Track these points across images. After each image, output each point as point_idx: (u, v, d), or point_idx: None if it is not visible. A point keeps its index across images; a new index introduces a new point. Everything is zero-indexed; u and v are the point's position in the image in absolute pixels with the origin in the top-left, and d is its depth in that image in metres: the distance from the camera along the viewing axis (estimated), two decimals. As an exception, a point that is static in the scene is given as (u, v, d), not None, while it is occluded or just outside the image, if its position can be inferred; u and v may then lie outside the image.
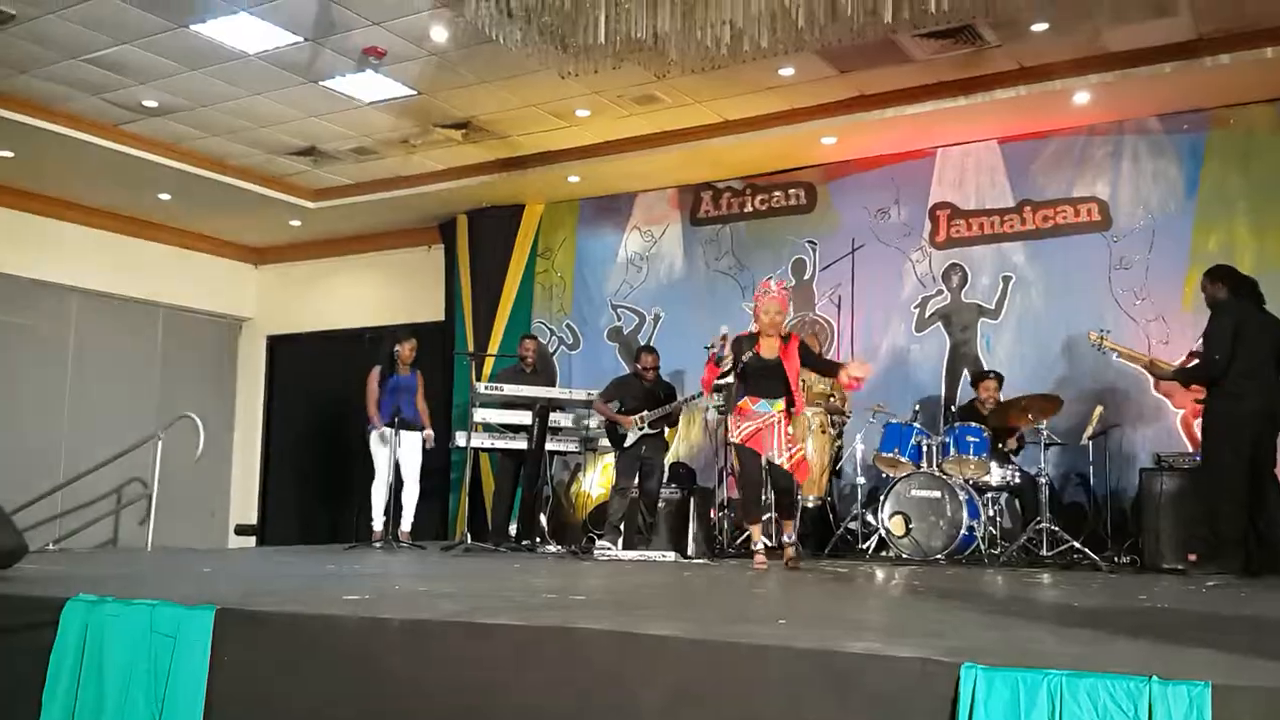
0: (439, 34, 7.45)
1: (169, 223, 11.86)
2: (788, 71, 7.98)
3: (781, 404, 6.39)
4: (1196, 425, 7.76)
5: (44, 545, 8.99)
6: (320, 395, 11.99)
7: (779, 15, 6.46)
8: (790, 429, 6.38)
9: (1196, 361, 6.63)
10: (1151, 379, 7.98)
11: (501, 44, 7.03)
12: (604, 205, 10.63)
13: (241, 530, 12.46)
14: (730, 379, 7.92)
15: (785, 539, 6.44)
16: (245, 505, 12.67)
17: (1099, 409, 7.59)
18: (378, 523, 8.55)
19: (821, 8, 6.35)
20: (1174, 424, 7.98)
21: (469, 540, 8.23)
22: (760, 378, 6.38)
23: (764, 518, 6.93)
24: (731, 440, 6.69)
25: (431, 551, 8.08)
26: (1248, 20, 7.05)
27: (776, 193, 9.85)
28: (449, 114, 9.00)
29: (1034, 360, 8.46)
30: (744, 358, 6.42)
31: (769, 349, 6.43)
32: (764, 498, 7.16)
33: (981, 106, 8.20)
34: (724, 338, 6.50)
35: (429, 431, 8.82)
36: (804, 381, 7.38)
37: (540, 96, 8.54)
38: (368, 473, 8.68)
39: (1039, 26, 7.24)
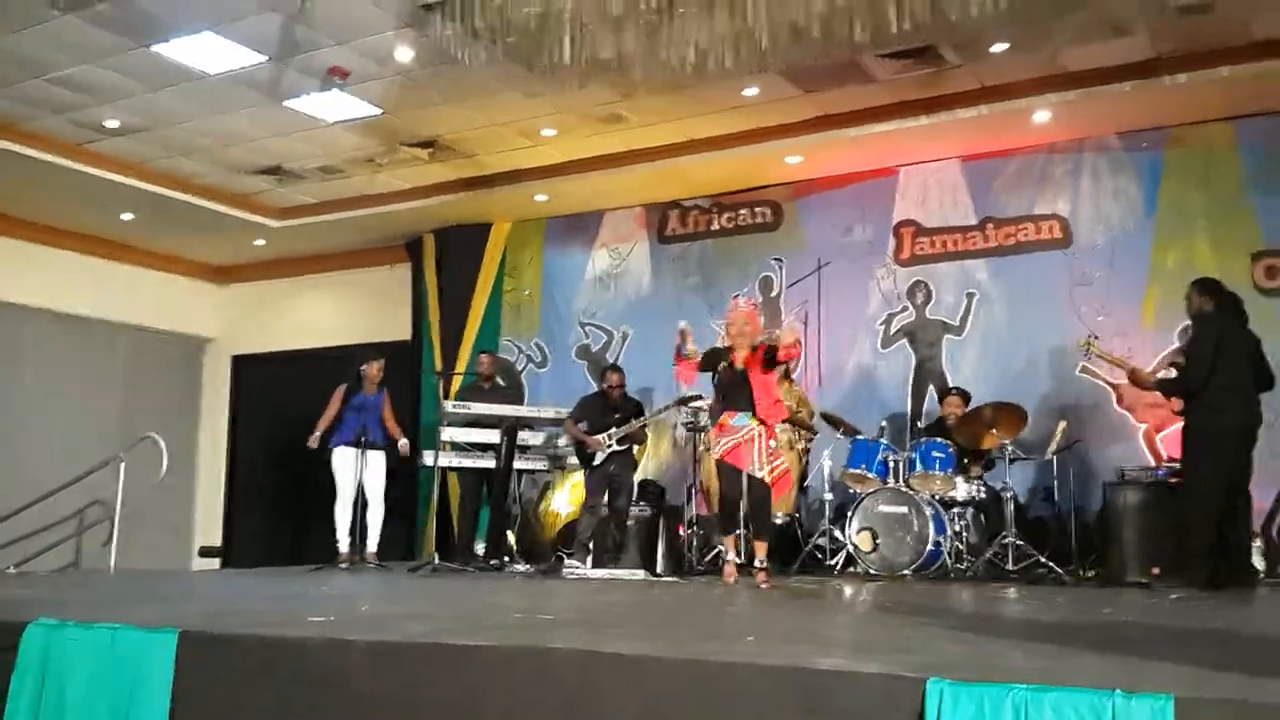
0: (404, 54, 7.43)
1: (132, 242, 11.74)
2: (752, 91, 8.03)
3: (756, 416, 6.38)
4: (1159, 439, 7.88)
5: (5, 568, 8.88)
6: (286, 415, 11.83)
7: (743, 36, 6.52)
8: (772, 442, 6.37)
9: (1175, 373, 6.72)
10: (1114, 394, 8.09)
11: (467, 64, 7.04)
12: (571, 224, 10.64)
13: (206, 552, 12.32)
14: (695, 393, 7.95)
15: (757, 562, 6.40)
16: (210, 527, 12.54)
17: (1063, 424, 7.67)
18: (343, 544, 8.48)
19: (784, 29, 6.42)
20: (1137, 439, 8.07)
21: (437, 560, 8.18)
22: (733, 391, 6.42)
23: (737, 532, 6.93)
24: (713, 456, 6.70)
25: (398, 572, 8.02)
26: (1204, 40, 7.18)
27: (743, 211, 9.90)
28: (415, 133, 8.99)
29: (998, 376, 8.53)
30: (719, 368, 6.48)
31: (739, 361, 6.45)
32: (740, 514, 7.15)
33: (944, 125, 8.28)
34: (682, 332, 6.62)
35: (404, 440, 8.75)
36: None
37: (506, 116, 8.55)
38: (332, 493, 8.61)
39: (999, 47, 7.34)
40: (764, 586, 6.18)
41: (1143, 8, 6.76)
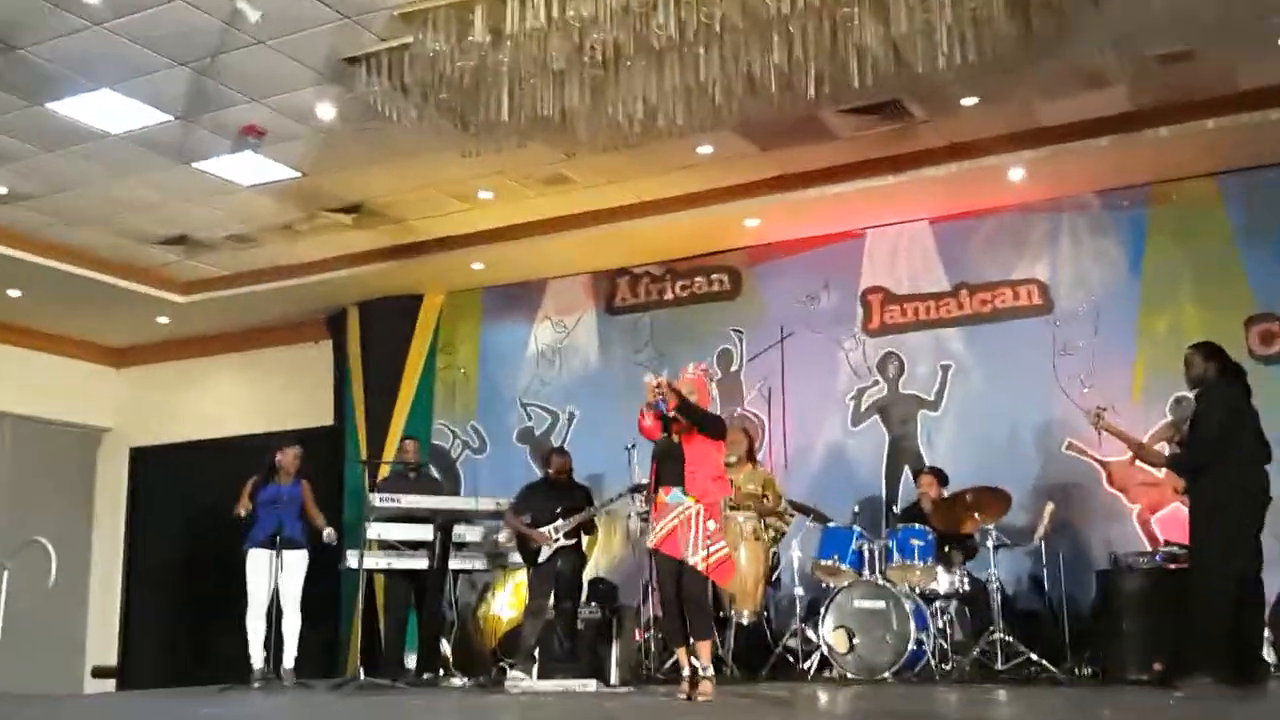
0: (326, 111, 7.42)
1: (18, 322, 11.54)
2: (706, 149, 8.10)
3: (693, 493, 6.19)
4: (1154, 521, 7.91)
5: None
6: (191, 514, 11.63)
7: (694, 91, 6.59)
8: (711, 523, 6.18)
9: (1168, 450, 6.74)
10: (1104, 473, 8.10)
11: (395, 122, 7.05)
12: (511, 294, 10.62)
13: (99, 673, 11.93)
14: (648, 481, 7.82)
15: (701, 670, 6.13)
16: (105, 642, 12.18)
17: (1050, 506, 7.66)
18: (256, 659, 8.23)
19: (739, 82, 6.50)
20: (1131, 521, 8.09)
21: (362, 676, 7.97)
22: (666, 463, 6.27)
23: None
24: (647, 545, 6.52)
25: (319, 690, 7.83)
26: (1186, 91, 7.34)
27: (698, 278, 9.94)
28: (338, 197, 8.96)
29: (978, 454, 8.53)
30: (658, 439, 6.35)
31: (677, 430, 6.31)
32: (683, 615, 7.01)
33: (911, 185, 8.40)
34: (658, 385, 6.13)
35: (329, 530, 8.51)
36: (731, 481, 7.30)
37: (439, 177, 8.55)
38: (245, 601, 8.37)
39: (969, 101, 7.47)
40: (702, 698, 5.92)
41: (1119, 57, 6.93)
